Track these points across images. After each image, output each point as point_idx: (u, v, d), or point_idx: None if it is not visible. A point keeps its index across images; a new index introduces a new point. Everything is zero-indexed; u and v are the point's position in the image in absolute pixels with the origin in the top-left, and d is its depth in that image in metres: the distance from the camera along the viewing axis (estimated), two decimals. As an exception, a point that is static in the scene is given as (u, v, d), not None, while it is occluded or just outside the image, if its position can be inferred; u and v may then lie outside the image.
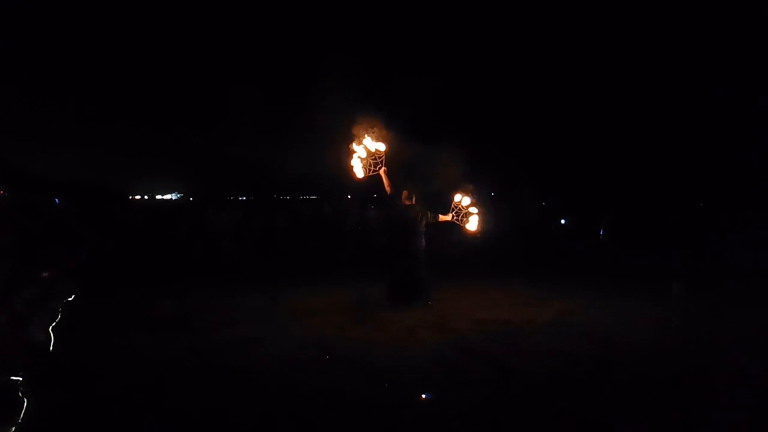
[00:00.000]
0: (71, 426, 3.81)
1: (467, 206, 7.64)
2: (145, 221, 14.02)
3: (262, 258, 12.37)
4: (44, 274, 4.97)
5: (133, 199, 30.12)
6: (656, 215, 16.46)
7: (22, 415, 3.63)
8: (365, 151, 7.50)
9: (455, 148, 8.16)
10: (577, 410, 3.93)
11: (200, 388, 4.43)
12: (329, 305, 7.52)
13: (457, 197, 7.67)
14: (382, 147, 7.48)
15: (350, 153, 7.56)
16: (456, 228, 7.88)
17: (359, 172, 7.58)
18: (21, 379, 3.94)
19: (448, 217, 7.71)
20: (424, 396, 4.22)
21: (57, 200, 15.08)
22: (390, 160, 7.61)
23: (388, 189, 7.65)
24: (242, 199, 28.49)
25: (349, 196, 19.47)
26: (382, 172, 7.58)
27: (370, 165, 7.58)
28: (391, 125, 7.55)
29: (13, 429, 3.54)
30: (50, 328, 4.66)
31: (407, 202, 7.57)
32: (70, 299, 5.11)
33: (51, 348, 4.58)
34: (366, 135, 7.43)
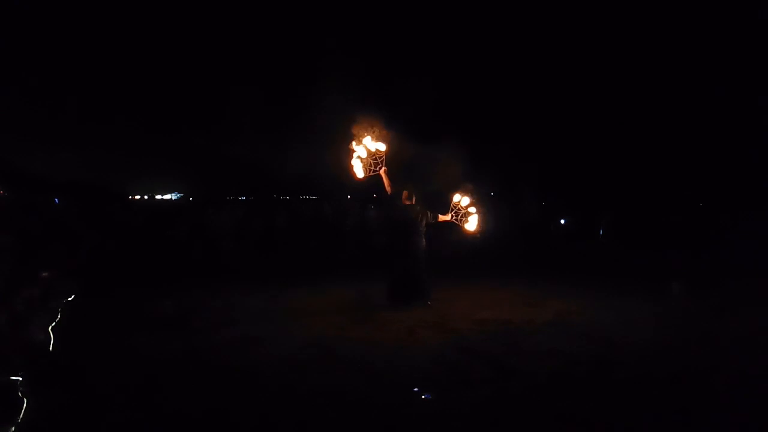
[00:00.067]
0: (71, 426, 3.80)
1: (466, 206, 7.65)
2: (144, 221, 14.02)
3: (262, 258, 12.36)
4: (44, 274, 4.98)
5: (133, 199, 30.12)
6: (656, 215, 16.45)
7: (22, 415, 3.63)
8: (365, 151, 7.49)
9: (455, 147, 8.16)
10: (577, 410, 3.93)
11: (200, 388, 4.42)
12: (329, 305, 7.51)
13: (456, 197, 7.67)
14: (382, 147, 7.48)
15: (350, 153, 7.55)
16: (456, 228, 7.88)
17: (360, 172, 7.57)
18: (21, 378, 3.95)
19: (447, 217, 7.71)
20: (423, 396, 4.21)
21: (57, 200, 15.09)
22: (390, 160, 7.60)
23: (388, 189, 7.64)
24: (242, 199, 28.50)
25: (349, 196, 19.47)
26: (382, 172, 7.58)
27: (370, 165, 7.57)
28: (391, 125, 7.55)
29: (13, 429, 3.54)
30: (50, 328, 4.66)
31: (407, 202, 7.57)
32: (69, 299, 5.12)
33: (51, 348, 4.58)
34: (366, 135, 7.43)
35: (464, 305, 7.44)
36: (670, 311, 7.07)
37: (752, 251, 10.84)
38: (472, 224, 7.66)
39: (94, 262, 9.51)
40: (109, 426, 3.78)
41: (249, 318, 6.83)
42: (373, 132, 7.43)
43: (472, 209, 7.65)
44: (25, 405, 3.70)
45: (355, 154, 7.52)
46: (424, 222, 7.52)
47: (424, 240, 7.52)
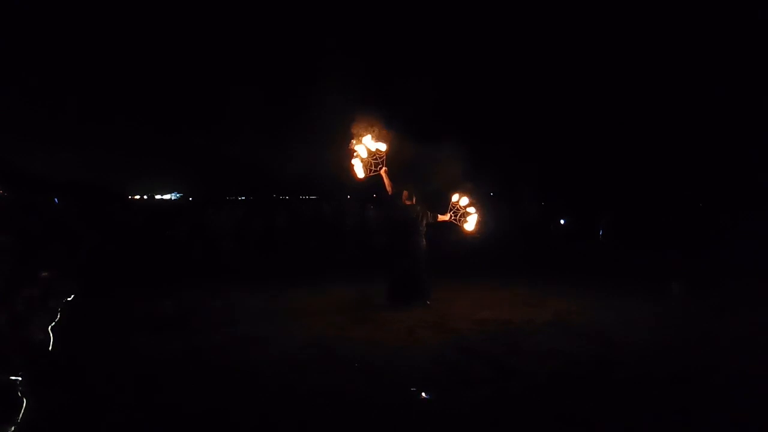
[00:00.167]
0: (71, 426, 3.80)
1: (465, 206, 7.65)
2: (144, 221, 14.02)
3: (262, 258, 12.36)
4: (44, 274, 4.98)
5: (133, 199, 30.12)
6: (656, 215, 16.44)
7: (21, 415, 3.63)
8: (366, 151, 7.49)
9: (455, 147, 8.16)
10: (577, 410, 3.93)
11: (200, 388, 4.42)
12: (329, 305, 7.51)
13: (455, 197, 7.67)
14: (382, 147, 7.48)
15: (351, 153, 7.55)
16: (455, 228, 7.88)
17: (360, 172, 7.56)
18: (21, 378, 3.94)
19: (447, 217, 7.71)
20: (423, 395, 4.21)
21: (57, 200, 15.07)
22: (390, 160, 7.60)
23: (389, 189, 7.63)
24: (242, 199, 28.51)
25: (348, 196, 19.47)
26: (383, 172, 7.57)
27: (370, 165, 7.57)
28: (391, 125, 7.54)
29: (13, 429, 3.54)
30: (50, 328, 4.66)
31: (407, 202, 7.56)
32: (69, 299, 5.11)
33: (50, 348, 4.58)
34: (366, 134, 7.42)
35: (464, 305, 7.44)
36: (670, 311, 7.07)
37: (752, 251, 10.83)
38: (470, 224, 7.66)
39: (94, 262, 9.51)
40: (109, 426, 3.78)
41: (249, 318, 6.83)
42: (374, 132, 7.43)
43: (471, 209, 7.65)
44: (24, 405, 3.70)
45: (355, 154, 7.52)
46: (424, 222, 7.52)
47: (424, 240, 7.52)
